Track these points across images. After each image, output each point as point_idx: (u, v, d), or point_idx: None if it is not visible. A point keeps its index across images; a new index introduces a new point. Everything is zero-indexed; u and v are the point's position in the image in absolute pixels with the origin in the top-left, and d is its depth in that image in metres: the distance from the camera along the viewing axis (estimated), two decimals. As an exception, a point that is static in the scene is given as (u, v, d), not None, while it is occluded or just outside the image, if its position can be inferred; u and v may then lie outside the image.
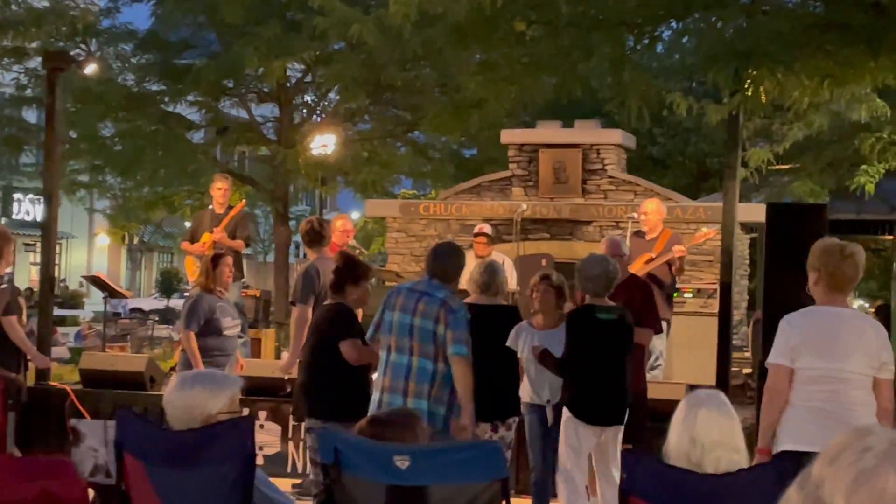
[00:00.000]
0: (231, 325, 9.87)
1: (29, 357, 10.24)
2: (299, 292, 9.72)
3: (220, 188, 13.33)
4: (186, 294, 10.13)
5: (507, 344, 8.55)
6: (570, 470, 7.94)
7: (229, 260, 10.08)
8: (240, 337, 12.94)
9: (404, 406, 7.22)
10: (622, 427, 8.11)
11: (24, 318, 10.54)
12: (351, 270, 8.05)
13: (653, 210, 11.74)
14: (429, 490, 4.51)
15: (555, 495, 8.93)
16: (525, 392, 8.59)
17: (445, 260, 7.64)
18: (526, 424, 8.66)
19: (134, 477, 4.92)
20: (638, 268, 11.21)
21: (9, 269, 10.18)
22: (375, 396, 7.47)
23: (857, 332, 5.97)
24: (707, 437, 4.50)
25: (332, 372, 7.85)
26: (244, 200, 13.85)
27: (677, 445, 4.53)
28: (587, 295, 8.09)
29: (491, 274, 8.53)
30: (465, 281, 8.73)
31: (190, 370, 9.44)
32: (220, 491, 4.76)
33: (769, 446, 5.99)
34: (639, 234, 11.90)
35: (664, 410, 5.13)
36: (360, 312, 8.26)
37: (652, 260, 11.33)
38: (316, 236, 10.07)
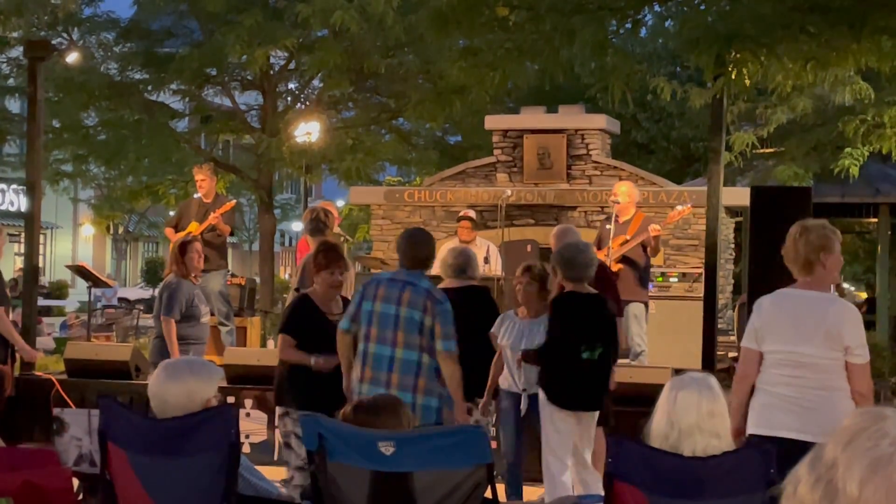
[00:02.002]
0: (205, 313, 9.88)
1: (17, 349, 10.18)
2: (299, 281, 9.77)
3: (200, 180, 13.32)
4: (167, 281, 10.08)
5: (492, 331, 8.57)
6: (547, 457, 7.92)
7: (198, 246, 10.07)
8: (224, 325, 13.00)
9: None
10: (598, 413, 8.10)
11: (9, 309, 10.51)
12: (314, 260, 8.04)
13: (624, 193, 11.74)
14: (414, 476, 4.50)
15: (530, 480, 8.97)
16: (504, 379, 8.60)
17: (424, 248, 7.55)
18: (501, 411, 8.66)
19: (118, 466, 4.91)
20: (613, 250, 11.25)
21: None
22: (359, 389, 7.29)
23: (819, 315, 5.87)
24: (684, 421, 4.47)
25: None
26: (234, 201, 13.82)
27: (657, 428, 4.52)
28: (567, 282, 8.04)
29: (465, 258, 8.59)
30: (436, 267, 8.76)
31: (169, 358, 9.49)
32: (205, 479, 4.75)
33: (740, 427, 5.95)
34: (610, 218, 11.90)
35: (650, 395, 5.12)
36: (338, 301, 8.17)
37: (626, 242, 11.35)
38: (318, 226, 10.09)
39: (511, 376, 8.54)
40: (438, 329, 7.24)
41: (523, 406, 8.44)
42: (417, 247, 7.52)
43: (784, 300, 6.05)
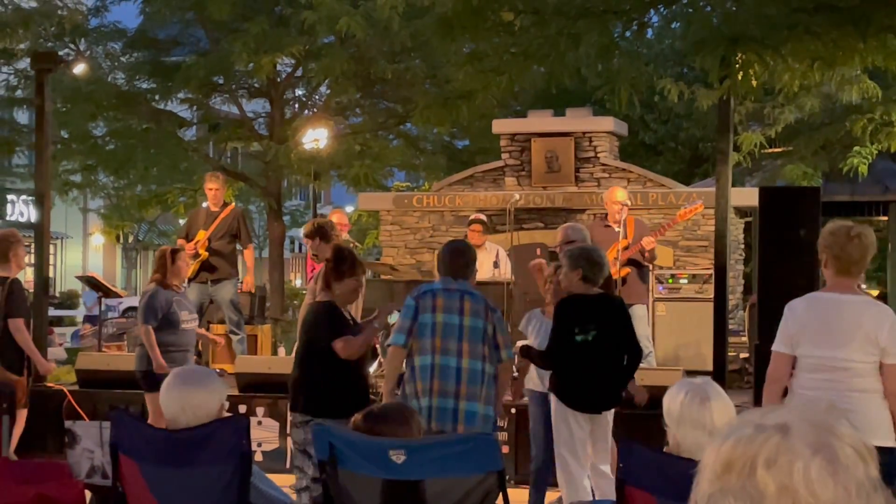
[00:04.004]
0: (188, 319, 9.94)
1: (33, 361, 10.20)
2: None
3: (211, 188, 13.33)
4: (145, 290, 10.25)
5: (520, 328, 8.61)
6: (566, 459, 7.87)
7: (185, 255, 10.21)
8: (235, 333, 13.02)
9: (454, 410, 7.20)
10: (611, 413, 8.05)
11: None
12: (336, 267, 8.01)
13: (626, 198, 11.72)
14: (424, 484, 4.51)
15: (554, 484, 8.93)
16: (530, 380, 8.59)
17: (468, 259, 7.56)
18: (529, 412, 8.64)
19: (130, 477, 4.91)
20: (616, 254, 11.25)
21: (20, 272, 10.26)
22: (423, 403, 7.22)
23: (856, 318, 5.84)
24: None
25: (323, 369, 7.84)
26: (233, 203, 13.82)
27: (695, 442, 4.45)
28: (587, 283, 7.93)
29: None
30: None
31: (153, 365, 9.59)
32: (217, 489, 4.76)
33: None
34: (603, 222, 11.87)
35: (661, 397, 5.09)
36: (358, 305, 8.21)
37: (628, 248, 11.37)
38: (325, 232, 10.14)
39: (538, 377, 8.51)
40: (500, 338, 7.33)
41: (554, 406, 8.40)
42: (457, 256, 7.54)
43: (818, 304, 6.01)
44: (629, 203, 11.67)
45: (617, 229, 11.45)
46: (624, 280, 11.27)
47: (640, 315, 11.47)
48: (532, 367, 8.56)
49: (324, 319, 7.88)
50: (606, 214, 11.89)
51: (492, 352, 7.32)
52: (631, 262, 11.41)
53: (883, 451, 1.60)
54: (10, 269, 9.93)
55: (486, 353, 7.30)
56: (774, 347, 6.06)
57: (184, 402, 4.82)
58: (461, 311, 7.29)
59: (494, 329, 7.30)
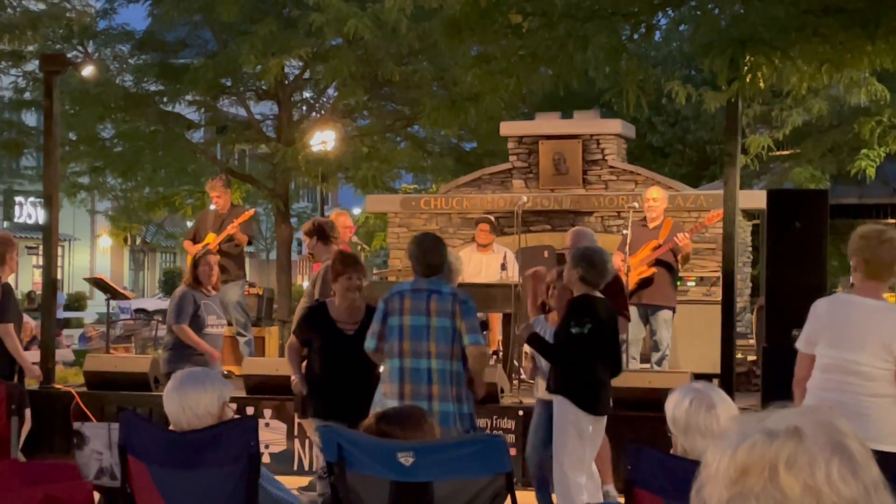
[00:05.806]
0: (214, 324, 9.97)
1: (21, 366, 10.05)
2: (320, 292, 9.83)
3: (215, 196, 13.44)
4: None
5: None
6: (573, 471, 7.79)
7: (210, 258, 10.23)
8: (242, 335, 13.03)
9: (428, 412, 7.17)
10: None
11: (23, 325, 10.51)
12: (333, 268, 8.09)
13: (660, 197, 11.77)
14: (433, 486, 4.51)
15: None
16: (538, 386, 8.55)
17: (436, 253, 7.49)
18: (534, 416, 8.60)
19: (138, 479, 4.92)
20: (645, 255, 11.26)
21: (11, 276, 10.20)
22: (393, 404, 7.10)
23: (874, 323, 5.79)
24: None
25: (322, 372, 7.89)
26: (252, 210, 13.85)
27: (705, 449, 4.43)
28: (587, 286, 7.89)
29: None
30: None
31: (181, 370, 9.55)
32: (225, 491, 4.77)
33: None
34: (641, 222, 11.90)
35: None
36: (360, 308, 8.16)
37: (659, 247, 11.36)
38: (324, 232, 10.15)
39: (545, 382, 8.49)
40: (464, 325, 7.23)
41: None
42: (429, 254, 7.46)
43: (840, 305, 5.99)
44: (657, 202, 11.67)
45: (624, 231, 11.46)
46: (650, 281, 11.29)
47: (663, 319, 11.45)
48: (539, 375, 8.54)
49: (302, 314, 8.01)
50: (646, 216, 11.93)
51: (460, 347, 7.29)
52: (661, 263, 11.38)
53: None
54: (2, 273, 9.83)
55: (454, 352, 7.27)
56: (797, 346, 6.05)
57: (182, 402, 4.84)
58: (428, 312, 7.26)
59: (461, 320, 7.25)
